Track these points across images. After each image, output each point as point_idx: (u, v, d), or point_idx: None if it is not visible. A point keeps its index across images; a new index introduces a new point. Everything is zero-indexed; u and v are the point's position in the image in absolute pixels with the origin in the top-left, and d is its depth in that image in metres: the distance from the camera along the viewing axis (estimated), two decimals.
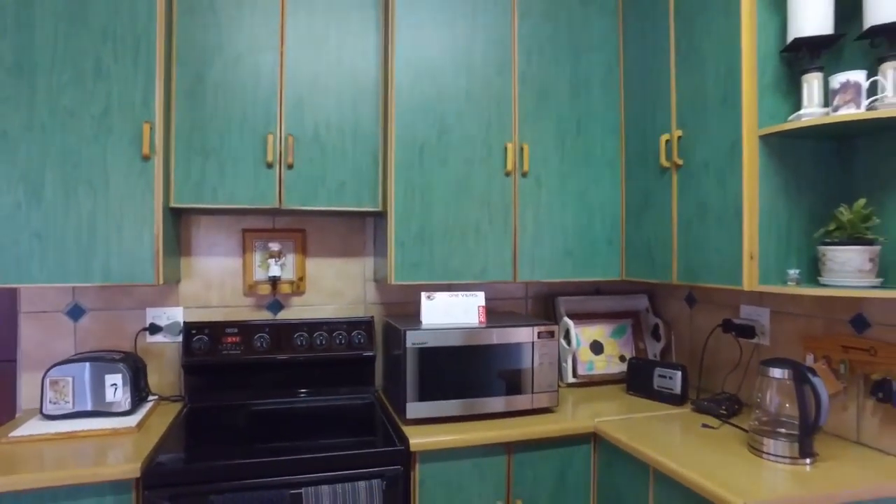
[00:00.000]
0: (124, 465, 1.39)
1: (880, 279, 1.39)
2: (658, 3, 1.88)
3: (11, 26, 1.55)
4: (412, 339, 1.70)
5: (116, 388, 1.69)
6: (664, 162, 1.82)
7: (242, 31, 1.79)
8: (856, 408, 1.55)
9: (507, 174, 1.95)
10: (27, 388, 1.85)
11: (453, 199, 1.89)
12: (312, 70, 1.84)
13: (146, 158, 1.64)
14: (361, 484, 1.48)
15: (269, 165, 1.80)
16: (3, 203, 1.54)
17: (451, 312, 1.83)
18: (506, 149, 1.94)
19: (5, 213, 1.55)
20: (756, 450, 1.47)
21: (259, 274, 2.02)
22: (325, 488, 1.45)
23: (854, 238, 1.41)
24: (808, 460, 1.40)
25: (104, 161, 1.61)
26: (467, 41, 1.91)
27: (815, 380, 1.40)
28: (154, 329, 1.94)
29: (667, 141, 1.82)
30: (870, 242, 1.39)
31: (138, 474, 1.39)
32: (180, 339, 1.97)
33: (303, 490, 1.44)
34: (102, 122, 1.61)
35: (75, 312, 1.89)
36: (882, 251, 1.45)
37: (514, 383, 1.80)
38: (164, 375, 1.96)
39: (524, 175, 1.97)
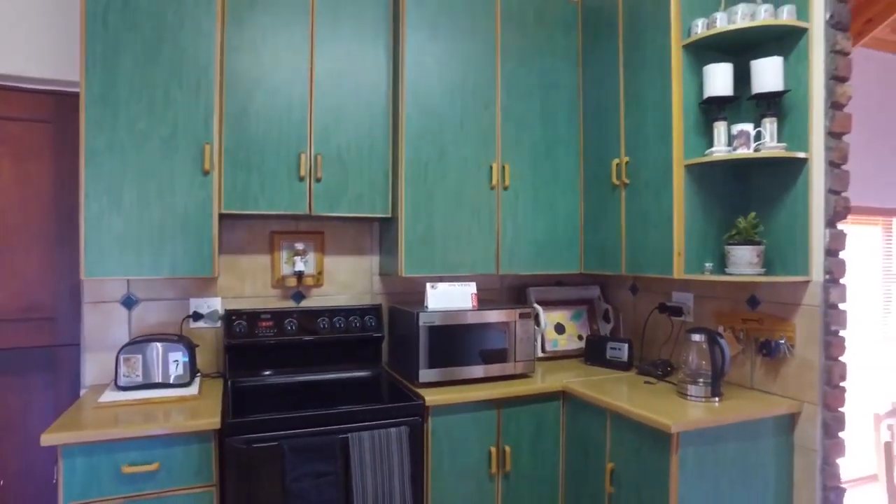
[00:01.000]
0: (206, 419, 1.79)
1: (764, 269, 2.00)
2: (610, 56, 2.44)
3: (100, 64, 1.91)
4: (424, 319, 2.18)
5: (178, 364, 2.07)
6: (615, 181, 2.39)
7: (279, 67, 2.20)
8: (750, 363, 2.16)
9: (492, 188, 2.46)
10: (90, 366, 2.19)
11: (450, 207, 2.38)
12: (336, 101, 2.28)
13: (206, 173, 2.03)
14: (392, 431, 1.95)
15: (302, 179, 2.22)
16: (90, 210, 1.90)
17: (450, 298, 2.32)
18: (491, 168, 2.45)
19: (92, 219, 1.91)
20: (682, 394, 2.05)
21: (286, 269, 2.44)
22: (365, 434, 1.91)
23: (747, 240, 2.01)
24: (716, 398, 1.99)
25: (172, 175, 2.00)
26: (461, 81, 2.40)
27: (722, 342, 1.99)
28: (197, 316, 2.32)
29: (617, 164, 2.38)
30: (757, 243, 2.00)
31: (219, 426, 1.80)
32: (219, 324, 2.36)
33: (349, 435, 1.89)
34: (170, 142, 2.00)
35: (129, 302, 2.25)
36: (765, 249, 2.06)
37: (500, 354, 2.31)
38: (205, 356, 2.34)
39: (505, 189, 2.49)
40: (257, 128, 2.17)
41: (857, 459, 3.91)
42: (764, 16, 1.95)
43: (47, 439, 1.63)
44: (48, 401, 2.24)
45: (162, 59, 1.99)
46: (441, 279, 2.57)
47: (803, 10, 1.94)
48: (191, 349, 2.12)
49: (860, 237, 4.27)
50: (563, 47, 2.62)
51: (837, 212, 1.92)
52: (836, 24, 1.90)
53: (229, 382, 2.23)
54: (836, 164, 1.92)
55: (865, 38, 3.63)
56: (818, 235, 1.93)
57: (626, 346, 2.51)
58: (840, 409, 1.94)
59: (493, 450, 2.19)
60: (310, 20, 2.24)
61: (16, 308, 2.20)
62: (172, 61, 2.00)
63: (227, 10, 2.12)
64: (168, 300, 2.30)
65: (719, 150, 2.03)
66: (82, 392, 2.18)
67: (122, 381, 2.01)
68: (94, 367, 2.20)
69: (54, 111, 2.24)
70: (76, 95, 2.23)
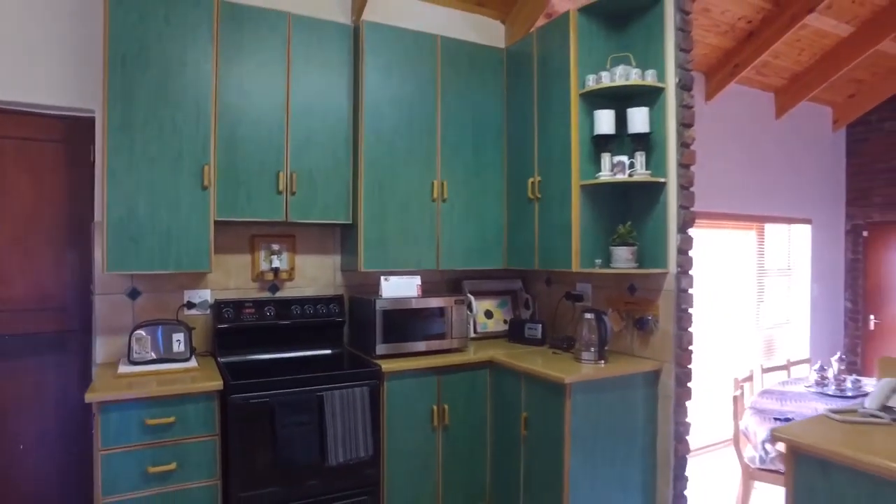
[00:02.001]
0: (211, 382, 2.32)
1: (637, 264, 2.73)
2: (528, 96, 3.12)
3: (120, 99, 2.39)
4: (379, 304, 2.78)
5: (180, 343, 2.57)
6: (530, 195, 3.07)
7: (262, 101, 2.74)
8: (629, 336, 2.88)
9: (433, 200, 3.08)
10: (101, 347, 2.65)
11: (400, 215, 2.98)
12: (307, 129, 2.83)
13: (205, 188, 2.55)
14: (357, 390, 2.53)
15: (280, 192, 2.77)
16: (111, 218, 2.38)
17: (400, 288, 2.92)
18: (433, 184, 3.08)
19: (113, 225, 2.39)
20: (578, 359, 2.73)
21: (264, 266, 2.97)
22: (336, 392, 2.48)
23: (625, 242, 2.73)
24: (602, 361, 2.69)
25: (177, 190, 2.50)
26: (409, 113, 3.01)
27: (606, 318, 2.70)
28: (190, 305, 2.81)
29: (531, 183, 3.06)
30: (632, 245, 2.72)
31: (221, 387, 2.33)
32: (209, 312, 2.86)
33: (324, 393, 2.46)
34: (176, 163, 2.50)
35: (133, 294, 2.72)
36: (638, 249, 2.78)
37: (440, 332, 2.94)
38: (197, 338, 2.83)
39: (444, 201, 3.11)
40: (244, 151, 2.69)
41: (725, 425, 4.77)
42: (634, 77, 2.67)
43: (90, 397, 2.12)
44: (60, 377, 2.68)
45: (169, 95, 2.49)
46: (392, 273, 3.15)
47: (661, 74, 2.68)
48: (188, 331, 2.62)
49: (739, 240, 5.18)
50: (491, 86, 3.28)
51: (686, 221, 2.66)
52: (683, 86, 2.64)
53: (219, 359, 2.75)
54: (685, 186, 2.66)
55: (736, 78, 4.50)
56: (673, 238, 2.66)
57: (541, 326, 3.20)
58: (688, 366, 2.68)
59: (435, 407, 2.81)
60: (286, 63, 2.79)
61: (32, 299, 2.63)
62: (177, 96, 2.50)
63: (220, 54, 2.63)
64: (165, 292, 2.79)
65: (605, 174, 2.74)
66: (94, 368, 2.64)
67: (135, 357, 2.49)
68: (104, 347, 2.66)
69: (66, 133, 2.68)
70: (86, 120, 2.68)
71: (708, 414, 4.55)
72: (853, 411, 1.82)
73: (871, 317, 5.47)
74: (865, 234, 5.52)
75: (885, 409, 1.79)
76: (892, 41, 4.51)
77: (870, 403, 1.83)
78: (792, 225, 5.44)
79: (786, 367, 4.24)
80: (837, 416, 1.80)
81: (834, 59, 4.64)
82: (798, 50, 4.58)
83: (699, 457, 4.46)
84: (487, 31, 3.67)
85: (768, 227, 5.30)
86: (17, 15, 2.52)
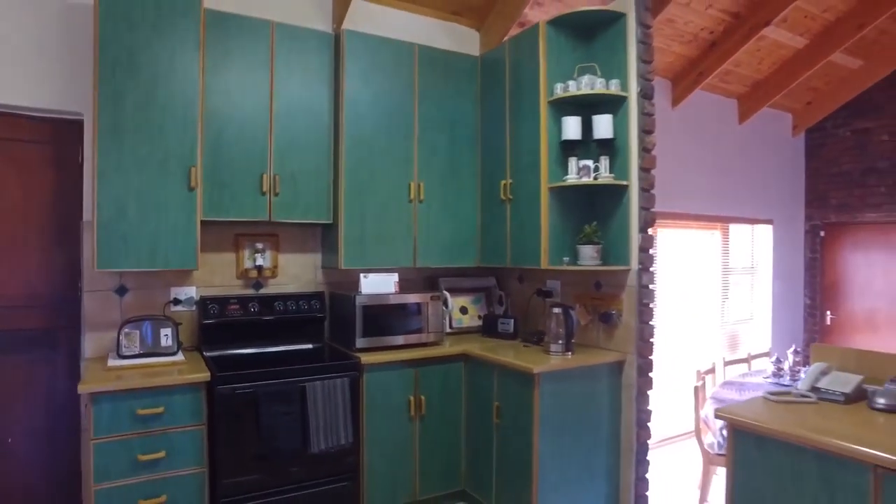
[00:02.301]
0: (198, 374, 2.45)
1: (602, 262, 2.92)
2: (500, 102, 3.29)
3: (110, 104, 2.50)
4: (359, 300, 2.93)
5: (168, 338, 2.69)
6: (502, 197, 3.24)
7: (246, 106, 2.87)
8: (595, 329, 3.08)
9: (410, 201, 3.24)
10: (89, 343, 2.75)
11: (379, 215, 3.14)
12: (290, 133, 2.97)
13: (192, 189, 2.67)
14: (338, 381, 2.68)
15: (263, 193, 2.90)
16: (101, 218, 2.49)
17: (378, 285, 3.08)
18: (410, 185, 3.23)
19: (103, 225, 2.50)
20: (546, 351, 2.92)
21: (248, 263, 3.09)
22: (318, 383, 2.63)
23: (590, 241, 2.92)
24: (569, 353, 2.87)
25: (165, 191, 2.62)
26: (387, 118, 3.17)
27: (572, 312, 2.89)
28: (176, 302, 2.93)
29: (504, 185, 3.24)
30: (597, 243, 2.91)
31: (209, 379, 2.45)
32: (194, 308, 2.98)
33: (306, 384, 2.60)
34: (164, 165, 2.62)
35: (121, 291, 2.83)
36: (603, 248, 2.97)
37: (417, 327, 3.10)
38: (183, 332, 2.94)
39: (421, 201, 3.28)
40: (229, 154, 2.82)
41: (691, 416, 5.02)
42: (599, 86, 2.86)
43: (84, 388, 2.23)
44: (48, 373, 2.77)
45: (157, 99, 2.60)
46: (371, 271, 3.30)
47: (624, 84, 2.87)
48: (175, 326, 2.74)
49: (704, 240, 5.43)
50: (466, 92, 3.45)
51: (647, 221, 2.86)
52: (644, 95, 2.84)
53: (205, 353, 2.87)
54: (645, 189, 2.86)
55: (701, 85, 4.74)
56: (635, 238, 2.86)
57: (513, 321, 3.37)
58: (649, 357, 2.88)
59: (412, 398, 2.97)
60: (269, 69, 2.92)
61: (20, 296, 2.72)
62: (165, 101, 2.62)
63: (207, 61, 2.76)
64: (152, 289, 2.90)
65: (571, 177, 2.93)
66: (82, 363, 2.74)
67: (124, 351, 2.61)
68: (92, 343, 2.77)
69: (54, 135, 2.78)
70: (74, 122, 2.78)
71: (675, 406, 4.78)
72: (788, 393, 2.03)
73: (828, 312, 5.77)
74: (823, 234, 5.83)
75: (814, 389, 2.00)
76: (842, 53, 4.79)
77: (801, 385, 2.04)
78: (755, 225, 5.71)
79: (746, 360, 4.49)
80: (773, 398, 2.00)
81: (791, 69, 4.91)
82: (758, 59, 4.84)
83: (667, 446, 4.69)
84: (463, 39, 3.84)
85: (732, 227, 5.56)
86: (5, 20, 2.61)
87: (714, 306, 5.46)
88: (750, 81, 5.15)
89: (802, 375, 2.16)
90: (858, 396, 1.96)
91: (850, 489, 1.56)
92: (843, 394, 1.95)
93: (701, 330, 5.31)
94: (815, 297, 5.89)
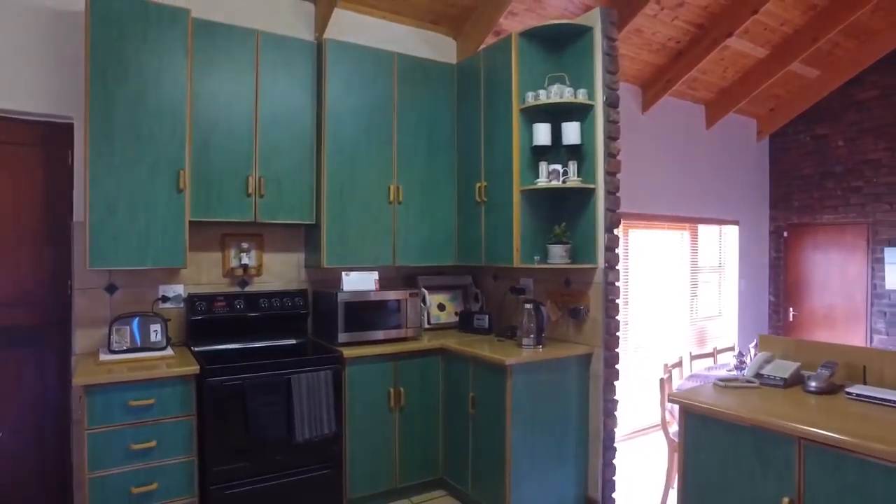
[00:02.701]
0: (188, 367, 2.58)
1: (571, 260, 3.12)
2: (476, 109, 3.48)
3: (100, 109, 2.63)
4: (341, 297, 3.09)
5: (157, 333, 2.82)
6: (477, 199, 3.43)
7: (232, 111, 3.01)
8: (565, 324, 3.27)
9: (390, 203, 3.41)
10: (79, 339, 2.87)
11: (360, 216, 3.30)
12: (275, 137, 3.12)
13: (181, 191, 2.80)
14: (321, 374, 2.83)
15: (249, 195, 3.04)
16: (93, 218, 2.62)
17: (359, 283, 3.24)
18: (389, 188, 3.40)
19: (95, 225, 2.62)
20: (519, 345, 3.10)
21: (234, 262, 3.23)
22: (302, 376, 2.78)
23: (560, 241, 3.11)
24: (540, 346, 3.07)
25: (154, 192, 2.75)
26: (368, 123, 3.33)
27: (543, 308, 3.08)
28: (164, 299, 3.06)
29: (479, 187, 3.42)
30: (566, 243, 3.11)
31: (198, 371, 2.59)
32: (182, 305, 3.11)
33: (291, 377, 2.75)
34: (153, 167, 2.75)
35: (111, 289, 2.95)
36: (572, 247, 3.17)
37: (396, 323, 3.27)
38: (171, 329, 3.07)
39: (400, 203, 3.44)
40: (216, 157, 2.96)
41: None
42: (568, 95, 3.06)
43: (78, 381, 2.36)
44: (38, 368, 2.88)
45: (147, 105, 2.73)
46: (352, 269, 3.46)
47: (591, 93, 3.07)
48: (164, 322, 2.87)
49: (674, 240, 5.68)
50: (443, 99, 3.63)
51: (612, 222, 3.07)
52: (609, 104, 3.05)
53: (193, 348, 3.00)
54: (611, 192, 3.07)
55: (669, 91, 4.98)
56: (601, 237, 3.06)
57: (487, 317, 3.56)
58: (615, 350, 3.09)
59: (392, 390, 3.14)
60: (255, 76, 3.07)
61: (12, 295, 2.83)
62: (155, 106, 2.75)
63: (194, 68, 2.89)
64: (141, 287, 3.03)
65: (542, 181, 3.12)
66: (73, 358, 2.86)
67: (115, 346, 2.73)
68: (82, 339, 2.88)
69: (45, 138, 2.89)
70: (63, 125, 2.89)
71: (645, 399, 5.01)
72: (735, 380, 2.24)
73: (791, 309, 6.07)
74: (786, 234, 6.12)
75: (758, 375, 2.22)
76: (800, 63, 5.08)
77: (747, 372, 2.26)
78: (722, 226, 5.98)
79: (712, 355, 4.73)
80: (722, 384, 2.21)
81: (754, 77, 5.18)
82: (723, 67, 5.10)
83: (637, 438, 4.91)
84: (440, 47, 4.02)
85: (701, 227, 5.82)
86: None
87: (683, 303, 5.71)
88: (716, 88, 5.41)
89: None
90: (795, 381, 2.18)
91: (780, 460, 1.77)
92: (782, 379, 2.17)
93: (671, 326, 5.56)
94: (779, 295, 6.19)
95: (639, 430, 5.04)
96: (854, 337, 5.50)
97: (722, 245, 6.07)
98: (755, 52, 4.92)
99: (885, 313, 5.30)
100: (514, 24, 3.97)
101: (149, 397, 2.51)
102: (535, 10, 3.95)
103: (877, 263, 5.36)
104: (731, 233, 6.04)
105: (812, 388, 2.07)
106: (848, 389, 2.03)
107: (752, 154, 6.17)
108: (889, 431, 1.64)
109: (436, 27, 3.97)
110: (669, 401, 2.12)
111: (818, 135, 5.79)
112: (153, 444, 2.51)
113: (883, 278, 5.30)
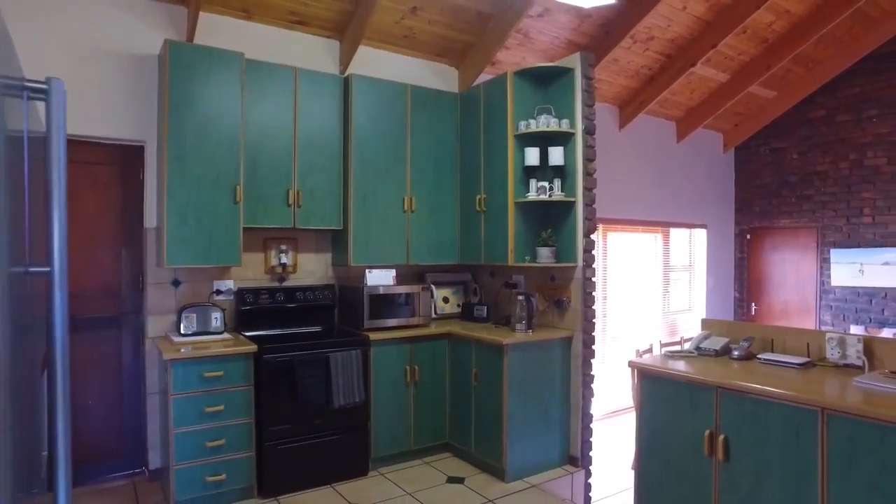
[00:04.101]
0: (248, 346, 3.26)
1: (556, 260, 3.85)
2: (476, 133, 4.19)
3: (176, 135, 3.29)
4: (367, 290, 3.79)
5: (217, 320, 3.49)
6: (477, 209, 4.14)
7: (276, 134, 3.68)
8: (551, 313, 4.00)
9: (405, 211, 4.11)
10: (151, 325, 3.54)
11: (380, 223, 4.00)
12: (310, 156, 3.80)
13: (237, 203, 3.48)
14: (352, 352, 3.53)
15: (289, 205, 3.72)
16: (170, 225, 3.28)
17: (380, 278, 3.93)
18: (404, 199, 4.10)
19: (171, 230, 3.29)
20: (513, 330, 3.82)
21: (273, 261, 3.91)
22: (338, 354, 3.47)
23: (547, 244, 3.84)
24: (530, 330, 3.79)
25: (215, 204, 3.42)
26: (385, 144, 4.03)
27: (533, 299, 3.80)
28: (218, 292, 3.73)
29: (479, 199, 4.14)
30: (552, 246, 3.84)
31: (256, 350, 3.27)
32: (232, 297, 3.78)
33: (329, 355, 3.44)
34: (215, 184, 3.42)
35: (175, 283, 3.62)
36: (557, 249, 3.90)
37: (410, 312, 3.97)
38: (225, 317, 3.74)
39: (412, 212, 4.15)
40: (263, 174, 3.64)
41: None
42: (553, 125, 3.78)
43: (168, 356, 3.03)
44: (117, 349, 3.54)
45: (210, 130, 3.40)
46: (373, 267, 4.15)
47: (573, 123, 3.80)
48: (222, 311, 3.55)
49: (648, 242, 6.44)
50: (449, 124, 4.34)
51: (589, 229, 3.80)
52: (587, 131, 3.77)
53: (243, 332, 3.67)
54: (588, 204, 3.79)
55: (643, 110, 5.73)
56: (580, 241, 3.78)
57: (486, 308, 4.28)
58: (592, 334, 3.82)
59: (408, 368, 3.84)
60: (293, 106, 3.75)
61: (96, 288, 3.49)
62: (216, 132, 3.42)
63: (246, 100, 3.56)
64: (199, 282, 3.69)
65: (532, 195, 3.84)
66: (147, 341, 3.52)
67: (184, 330, 3.40)
68: (153, 324, 3.55)
69: (121, 157, 3.55)
70: (136, 148, 3.55)
71: (622, 383, 5.76)
72: (680, 352, 2.98)
73: (753, 304, 6.87)
74: (749, 237, 6.92)
75: (698, 348, 2.96)
76: (759, 86, 5.86)
77: (689, 346, 3.00)
78: (692, 229, 6.76)
79: (679, 343, 5.49)
80: (669, 354, 2.95)
81: (718, 98, 5.96)
82: (690, 90, 5.87)
83: (614, 418, 5.67)
84: (444, 76, 4.72)
85: (672, 230, 6.60)
86: (91, 69, 3.37)
87: (657, 298, 6.49)
88: (684, 107, 6.18)
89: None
90: (724, 351, 2.92)
91: (704, 403, 2.51)
92: (714, 350, 2.91)
93: (646, 318, 6.33)
94: (743, 291, 6.99)
95: (617, 411, 5.80)
96: (806, 327, 6.31)
97: (691, 246, 6.85)
98: (718, 76, 5.70)
99: (832, 307, 6.11)
100: (507, 55, 4.70)
101: (218, 370, 3.18)
102: (526, 44, 4.68)
103: (825, 263, 6.17)
104: (700, 235, 6.82)
105: (734, 356, 2.82)
106: (759, 356, 2.78)
107: (718, 164, 6.96)
108: (776, 380, 2.38)
109: (440, 59, 4.68)
110: (629, 366, 2.85)
111: (776, 148, 6.60)
112: (221, 407, 3.19)
113: (829, 276, 6.11)
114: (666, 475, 2.70)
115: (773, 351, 2.83)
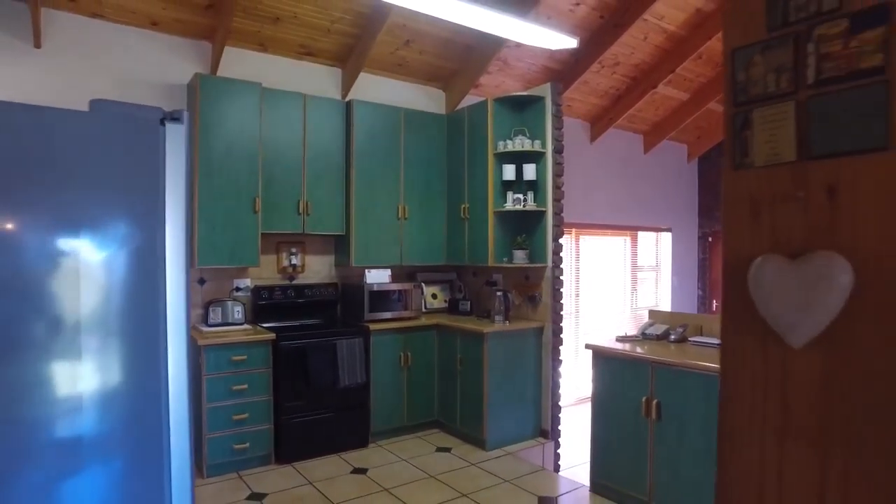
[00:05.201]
0: (267, 335, 3.91)
1: (529, 261, 4.53)
2: (461, 150, 4.86)
3: (206, 154, 3.92)
4: (368, 287, 4.45)
5: (238, 313, 4.13)
6: (462, 217, 4.82)
7: (287, 152, 4.32)
8: (525, 306, 4.69)
9: (399, 219, 4.77)
10: None
11: (377, 229, 4.65)
12: (317, 171, 4.44)
13: (256, 212, 4.11)
14: (356, 340, 4.18)
15: (299, 214, 4.36)
16: (201, 232, 3.91)
17: (378, 277, 4.59)
18: (398, 207, 4.76)
19: (202, 237, 3.91)
20: (493, 322, 4.50)
21: (284, 262, 4.55)
22: (344, 341, 4.13)
23: (521, 247, 4.52)
24: (507, 322, 4.47)
25: (238, 213, 4.05)
26: (383, 160, 4.69)
27: (510, 295, 4.48)
28: (237, 289, 4.36)
29: (463, 208, 4.81)
30: (526, 249, 4.52)
31: (274, 337, 3.92)
32: (250, 294, 4.41)
33: (336, 342, 4.10)
34: (238, 196, 4.05)
35: (201, 281, 4.24)
36: (530, 251, 4.58)
37: (404, 305, 4.63)
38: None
39: (405, 219, 4.81)
40: (278, 186, 4.28)
41: None
42: (527, 145, 4.47)
43: (202, 343, 3.66)
44: None
45: (234, 150, 4.03)
46: (372, 267, 4.79)
47: (544, 143, 4.49)
48: (243, 305, 4.18)
49: (618, 244, 7.16)
50: (437, 142, 5.00)
51: (557, 234, 4.49)
52: (556, 151, 4.46)
53: (260, 324, 4.31)
54: (557, 213, 4.48)
55: (613, 125, 6.44)
56: (550, 245, 4.47)
57: (469, 302, 4.95)
58: (560, 324, 4.51)
59: (402, 354, 4.50)
60: (302, 127, 4.39)
61: None
62: (238, 151, 4.05)
63: (262, 123, 4.19)
64: (221, 281, 4.32)
65: (509, 205, 4.53)
66: None
67: (211, 321, 4.03)
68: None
69: None
70: None
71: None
72: (629, 336, 3.67)
73: (714, 301, 7.62)
74: (710, 239, 7.68)
75: (643, 334, 3.66)
76: (716, 103, 6.60)
77: (636, 332, 3.69)
78: (658, 233, 7.50)
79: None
80: (620, 338, 3.65)
81: (680, 114, 6.69)
82: (654, 107, 6.60)
83: (585, 403, 6.37)
84: (433, 97, 5.39)
85: (640, 234, 7.33)
86: (130, 93, 3.99)
87: (626, 296, 7.21)
88: (650, 122, 6.91)
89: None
90: (664, 336, 3.62)
91: (642, 377, 3.20)
92: (656, 335, 3.61)
93: (615, 315, 7.05)
94: (705, 290, 7.74)
95: (588, 397, 6.50)
96: None
97: (658, 248, 7.59)
98: (679, 95, 6.43)
99: None
100: (489, 79, 5.37)
101: (243, 354, 3.82)
102: (505, 70, 5.36)
103: None
104: (666, 238, 7.56)
105: (671, 339, 3.52)
106: (690, 339, 3.48)
107: (683, 173, 7.70)
108: (696, 356, 3.08)
109: (430, 83, 5.34)
110: (586, 347, 3.54)
111: None
112: (245, 386, 3.83)
113: None
114: (613, 434, 3.40)
115: (702, 335, 3.54)
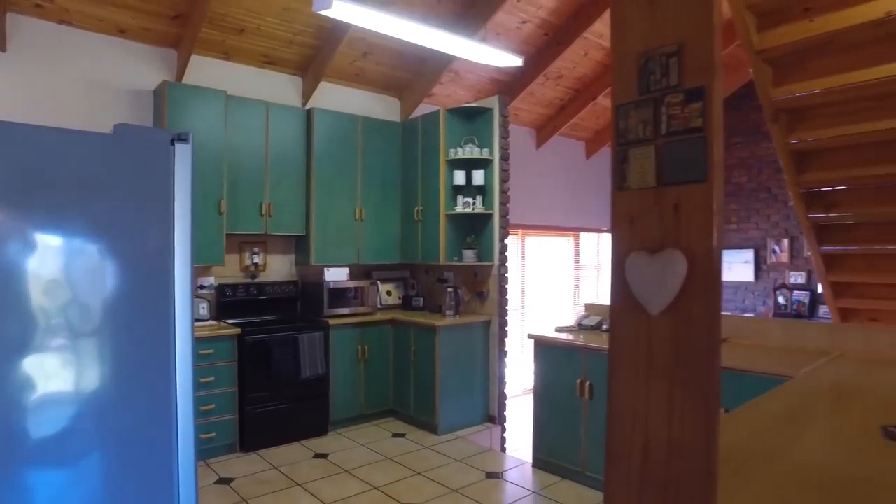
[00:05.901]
0: (233, 330, 4.18)
1: (478, 260, 4.95)
2: (415, 156, 5.23)
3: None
4: (327, 284, 4.76)
5: (203, 309, 4.38)
6: (416, 218, 5.19)
7: (251, 158, 4.59)
8: (474, 301, 5.10)
9: (356, 220, 5.10)
10: None
11: (335, 229, 4.97)
12: (279, 174, 4.73)
13: (221, 214, 4.37)
14: (316, 334, 4.49)
15: (262, 215, 4.64)
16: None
17: (336, 275, 4.91)
18: (355, 210, 5.09)
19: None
20: (444, 316, 4.89)
21: (247, 261, 4.81)
22: (305, 335, 4.43)
23: (471, 247, 4.93)
24: (458, 316, 4.87)
25: (205, 215, 4.30)
26: (341, 165, 5.01)
27: (460, 291, 4.88)
28: (202, 287, 4.60)
29: (417, 209, 5.18)
30: (475, 248, 4.93)
31: (240, 332, 4.19)
32: (213, 291, 4.65)
33: (298, 336, 4.40)
34: (205, 198, 4.30)
35: None
36: (479, 251, 4.99)
37: (361, 301, 4.97)
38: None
39: (362, 220, 5.14)
40: (241, 189, 4.54)
41: None
42: (476, 153, 4.88)
43: None
44: None
45: (200, 156, 4.27)
46: (331, 266, 5.10)
47: (491, 151, 4.91)
48: (208, 302, 4.43)
49: (562, 244, 7.67)
50: (392, 148, 5.36)
51: (503, 235, 4.91)
52: (503, 158, 4.89)
53: (224, 320, 4.56)
54: (503, 215, 4.91)
55: (557, 132, 6.94)
56: (497, 245, 4.89)
57: (422, 299, 5.33)
58: (506, 318, 4.93)
59: (359, 347, 4.84)
60: (265, 133, 4.67)
61: None
62: (205, 155, 4.30)
63: (227, 129, 4.45)
64: None
65: (459, 208, 4.93)
66: None
67: None
68: None
69: None
70: None
71: None
72: (566, 327, 4.12)
73: None
74: None
75: (579, 325, 4.12)
76: None
77: (572, 322, 4.15)
78: (600, 233, 8.06)
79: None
80: (558, 329, 4.09)
81: None
82: (595, 116, 7.13)
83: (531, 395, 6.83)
84: (388, 105, 5.74)
85: (583, 234, 7.86)
86: (97, 99, 4.18)
87: (569, 292, 7.73)
88: (592, 130, 7.45)
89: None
90: (598, 326, 4.09)
91: (577, 360, 3.65)
92: (591, 326, 4.07)
93: (559, 309, 7.55)
94: None
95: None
96: None
97: (599, 248, 8.15)
98: None
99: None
100: (441, 89, 5.76)
101: (209, 349, 4.08)
102: (457, 81, 5.76)
103: None
104: (607, 239, 8.12)
105: (604, 329, 3.99)
106: None
107: None
108: None
109: (386, 92, 5.69)
110: (528, 337, 3.97)
111: None
112: (212, 378, 4.09)
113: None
114: (552, 413, 3.84)
115: None
